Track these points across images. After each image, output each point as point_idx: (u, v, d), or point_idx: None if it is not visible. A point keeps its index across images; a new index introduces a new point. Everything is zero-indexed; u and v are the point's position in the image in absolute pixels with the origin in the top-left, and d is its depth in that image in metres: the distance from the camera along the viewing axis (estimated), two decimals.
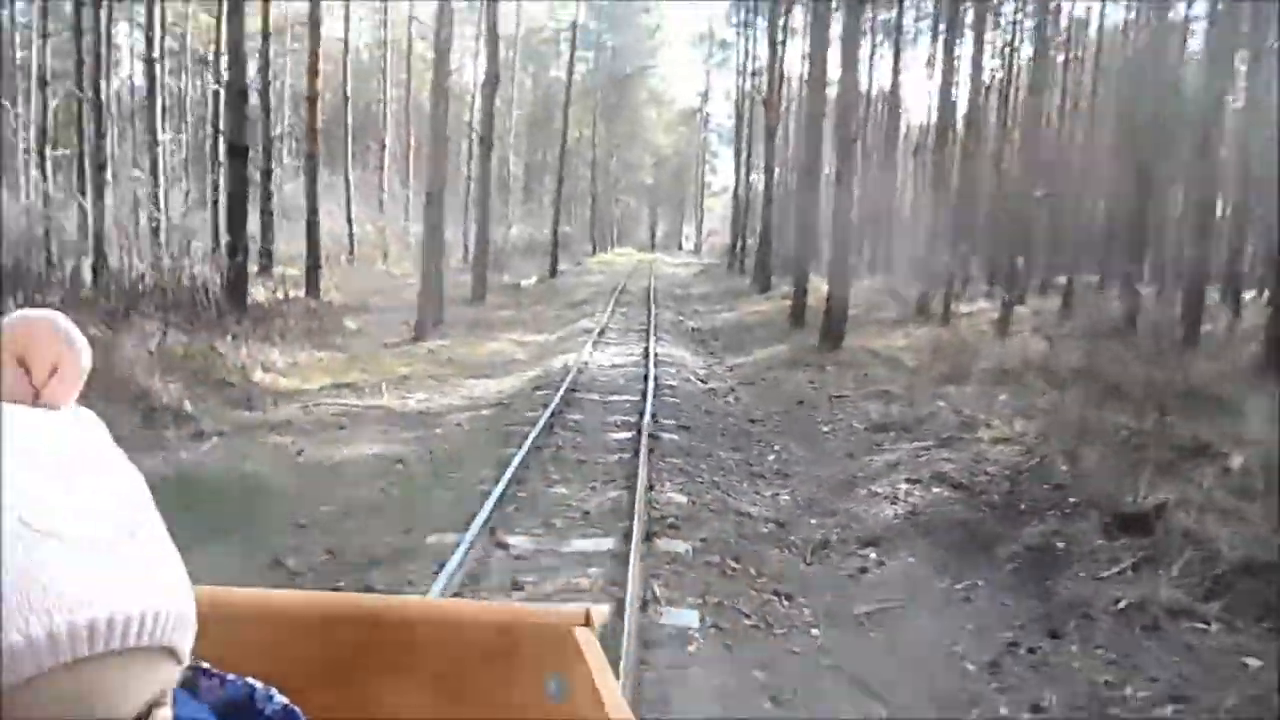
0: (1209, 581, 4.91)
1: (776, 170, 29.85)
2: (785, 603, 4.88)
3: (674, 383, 11.16)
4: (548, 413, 8.57)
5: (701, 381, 11.86)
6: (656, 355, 12.89)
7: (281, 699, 0.62)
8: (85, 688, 0.41)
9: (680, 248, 69.19)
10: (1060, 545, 5.56)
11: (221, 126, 17.67)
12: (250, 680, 0.61)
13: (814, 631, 4.59)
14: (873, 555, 5.72)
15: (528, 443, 7.30)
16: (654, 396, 9.69)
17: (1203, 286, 14.88)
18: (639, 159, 62.93)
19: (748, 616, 4.55)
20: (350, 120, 27.79)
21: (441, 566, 4.59)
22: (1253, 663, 4.24)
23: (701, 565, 5.06)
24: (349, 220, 26.47)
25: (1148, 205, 17.75)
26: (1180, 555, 5.18)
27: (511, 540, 5.25)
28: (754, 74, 36.47)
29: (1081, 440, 7.51)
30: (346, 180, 26.58)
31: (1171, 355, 11.36)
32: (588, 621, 0.79)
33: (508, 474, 6.32)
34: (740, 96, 40.71)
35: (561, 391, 9.70)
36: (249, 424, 8.33)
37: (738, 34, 42.15)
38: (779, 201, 28.01)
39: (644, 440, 7.46)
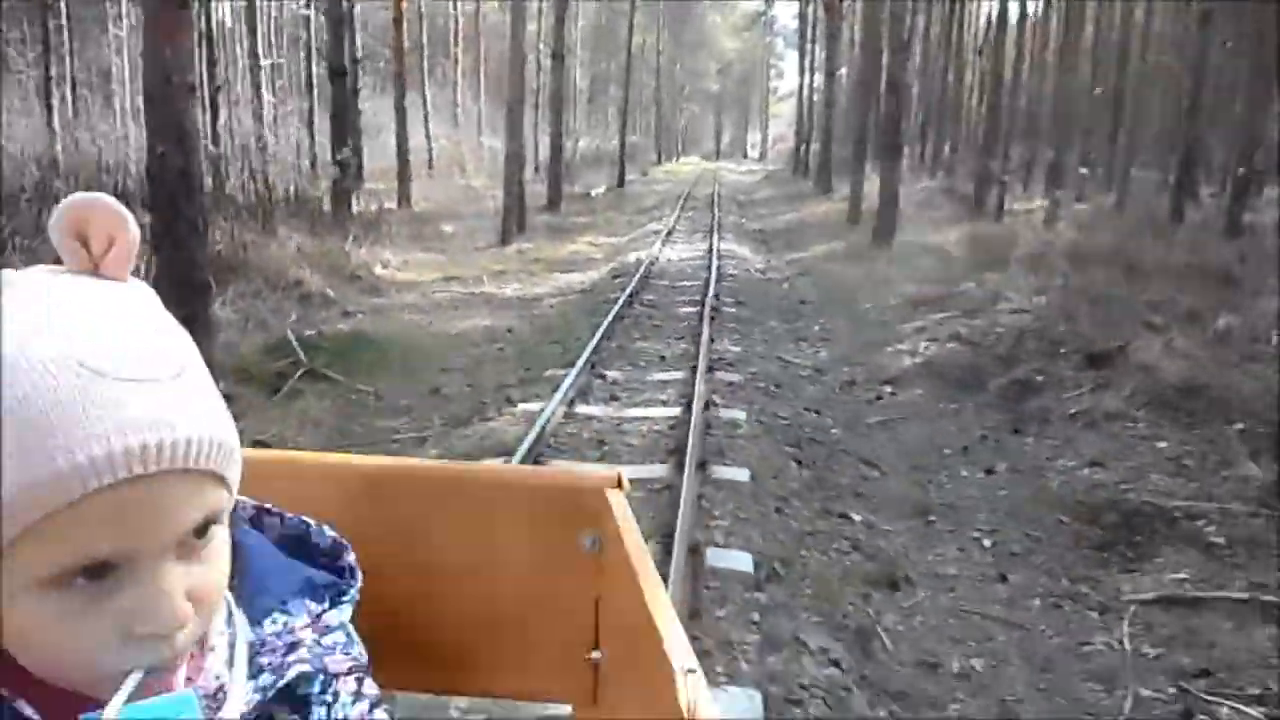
0: (1146, 397, 6.37)
1: (841, 73, 30.39)
2: (814, 415, 6.53)
3: (735, 272, 12.69)
4: (626, 294, 10.23)
5: (760, 272, 13.36)
6: (719, 251, 14.39)
7: (333, 533, 0.70)
8: (141, 502, 0.49)
9: (745, 155, 69.36)
10: (1039, 378, 7.06)
11: (320, 49, 19.31)
12: (305, 518, 0.69)
13: (833, 431, 6.24)
14: (888, 389, 7.30)
15: (612, 314, 8.99)
16: (716, 282, 11.27)
17: (1249, 185, 15.59)
18: (704, 65, 62.90)
19: (784, 419, 6.21)
20: (425, 39, 29.17)
21: (556, 388, 6.31)
22: (1161, 444, 5.74)
23: (750, 388, 6.72)
24: (427, 136, 28.09)
25: (1201, 104, 18.23)
26: (1130, 381, 6.64)
27: (607, 373, 6.99)
28: None
29: (1082, 306, 8.87)
30: (423, 98, 28.09)
31: (1204, 243, 12.44)
32: (619, 484, 0.86)
33: (598, 334, 8.02)
34: None
35: (636, 279, 11.34)
36: (381, 307, 10.18)
37: None
38: (841, 105, 28.70)
39: (707, 312, 9.07)
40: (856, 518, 4.85)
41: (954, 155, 27.56)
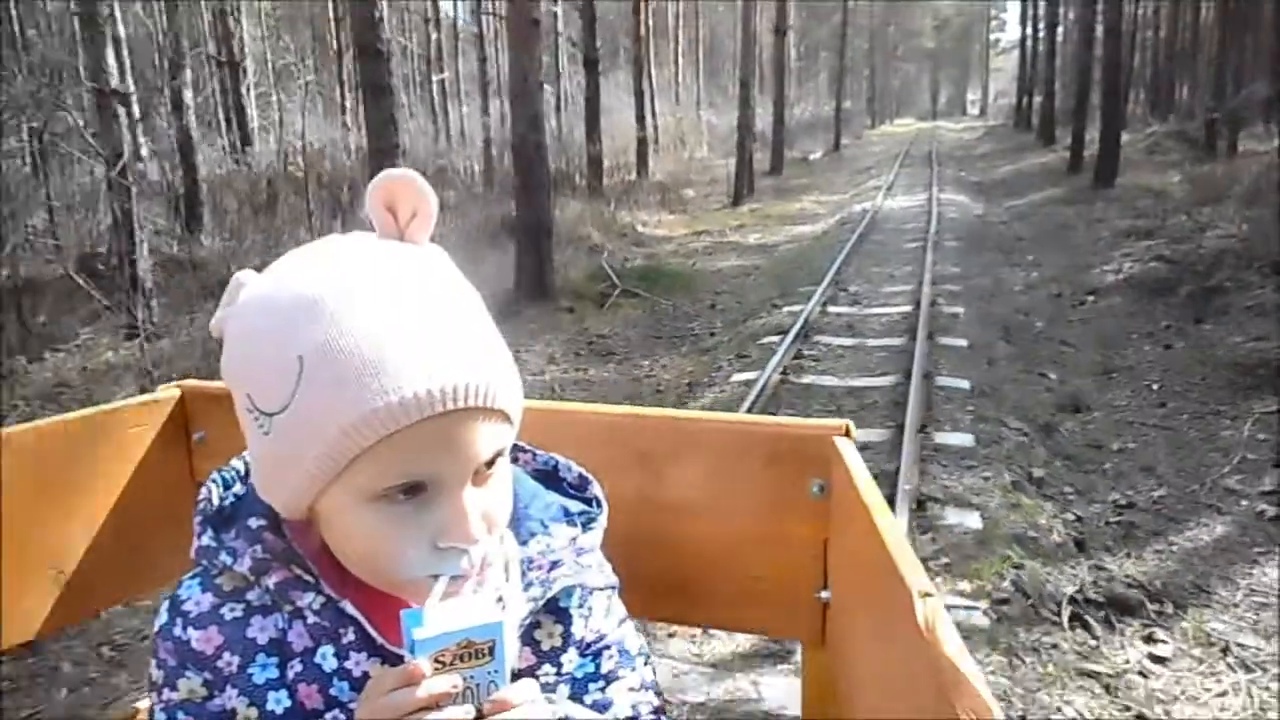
0: None
1: (1061, 25, 30.04)
2: (1022, 316, 8.11)
3: (954, 216, 14.09)
4: (855, 236, 12.00)
5: (978, 216, 14.65)
6: (939, 200, 15.75)
7: (579, 469, 0.80)
8: (452, 433, 0.60)
9: (964, 112, 67.61)
10: (1228, 284, 8.23)
11: (574, 38, 22.09)
12: (554, 455, 0.79)
13: (1038, 325, 7.82)
14: (1090, 298, 8.71)
15: (845, 249, 10.83)
16: (936, 224, 12.77)
17: None
18: (919, 23, 61.98)
19: (996, 316, 7.86)
20: (651, 21, 31.63)
21: (809, 298, 8.25)
22: None
23: (968, 296, 8.39)
24: (653, 114, 30.59)
25: None
26: None
27: (849, 288, 8.89)
28: None
29: None
30: (650, 76, 30.59)
31: None
32: (848, 433, 0.90)
33: (836, 264, 9.89)
34: None
35: (863, 225, 13.05)
36: (650, 254, 12.51)
37: None
38: (1064, 56, 28.47)
39: (929, 246, 10.70)
40: (1052, 375, 6.51)
41: (1188, 98, 26.73)
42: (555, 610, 0.73)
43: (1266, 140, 21.50)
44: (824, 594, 0.92)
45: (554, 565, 0.73)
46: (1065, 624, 3.30)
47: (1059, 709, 2.80)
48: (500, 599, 0.67)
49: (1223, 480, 4.67)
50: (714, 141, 30.52)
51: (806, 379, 6.15)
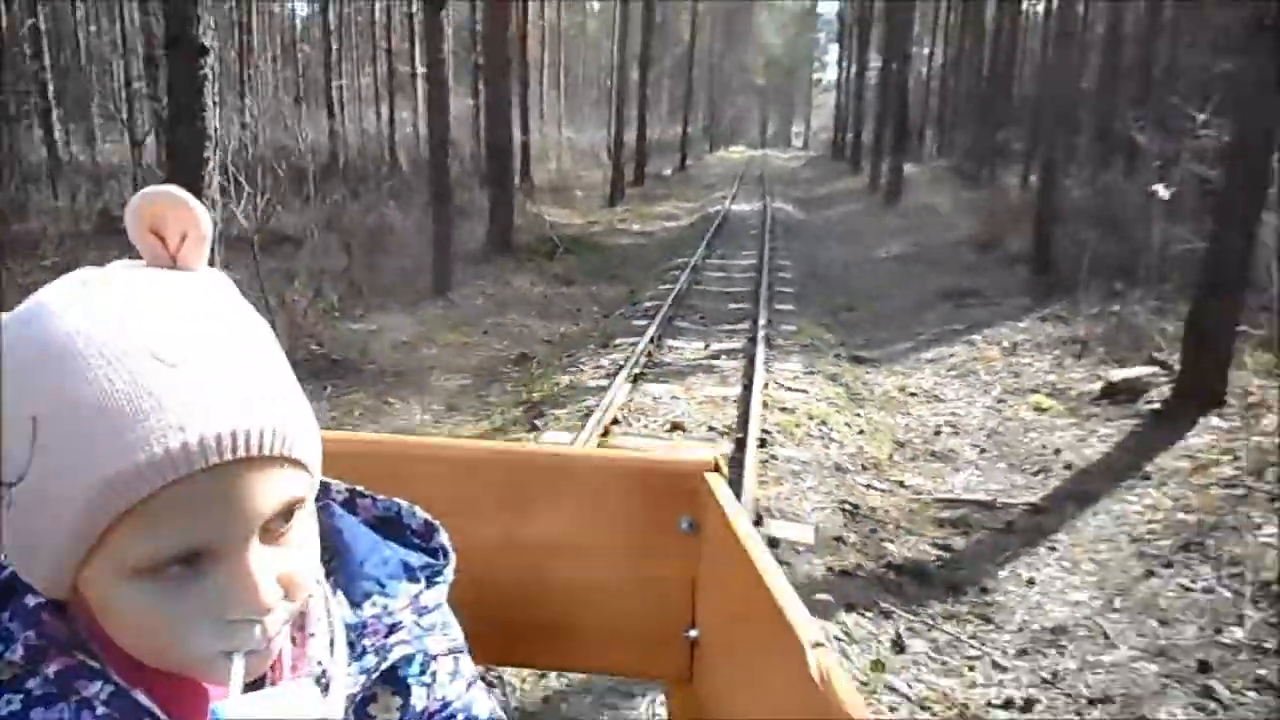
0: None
1: (870, 70, 36.36)
2: (824, 270, 12.81)
3: (783, 218, 19.05)
4: (714, 226, 16.62)
5: (800, 219, 19.69)
6: (772, 207, 20.70)
7: (424, 514, 0.72)
8: (224, 491, 0.51)
9: (789, 144, 75.23)
10: (951, 257, 13.21)
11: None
12: (397, 499, 0.71)
13: (835, 273, 12.51)
14: (869, 264, 13.53)
15: (709, 234, 15.38)
16: (771, 222, 17.58)
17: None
18: (751, 60, 68.96)
19: (809, 270, 12.52)
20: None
21: (691, 258, 12.61)
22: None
23: (791, 259, 13.06)
24: (524, 130, 34.56)
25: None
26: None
27: (717, 252, 13.40)
28: None
29: (1009, 231, 14.98)
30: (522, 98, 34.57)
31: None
32: (717, 468, 0.89)
33: (705, 240, 14.39)
34: None
35: (718, 220, 17.72)
36: (564, 233, 16.62)
37: None
38: (869, 99, 34.68)
39: (766, 233, 15.39)
40: (838, 296, 11.13)
41: (968, 140, 33.43)
42: (392, 680, 0.66)
43: (1016, 175, 28.09)
44: (692, 632, 0.90)
45: (391, 629, 0.66)
46: (843, 362, 7.74)
47: (858, 404, 7.19)
48: (323, 677, 0.60)
49: (917, 332, 9.35)
50: (575, 156, 34.84)
51: (698, 289, 10.50)
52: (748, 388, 6.36)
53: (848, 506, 4.77)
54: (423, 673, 0.67)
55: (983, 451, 5.99)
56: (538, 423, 5.87)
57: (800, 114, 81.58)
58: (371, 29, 31.94)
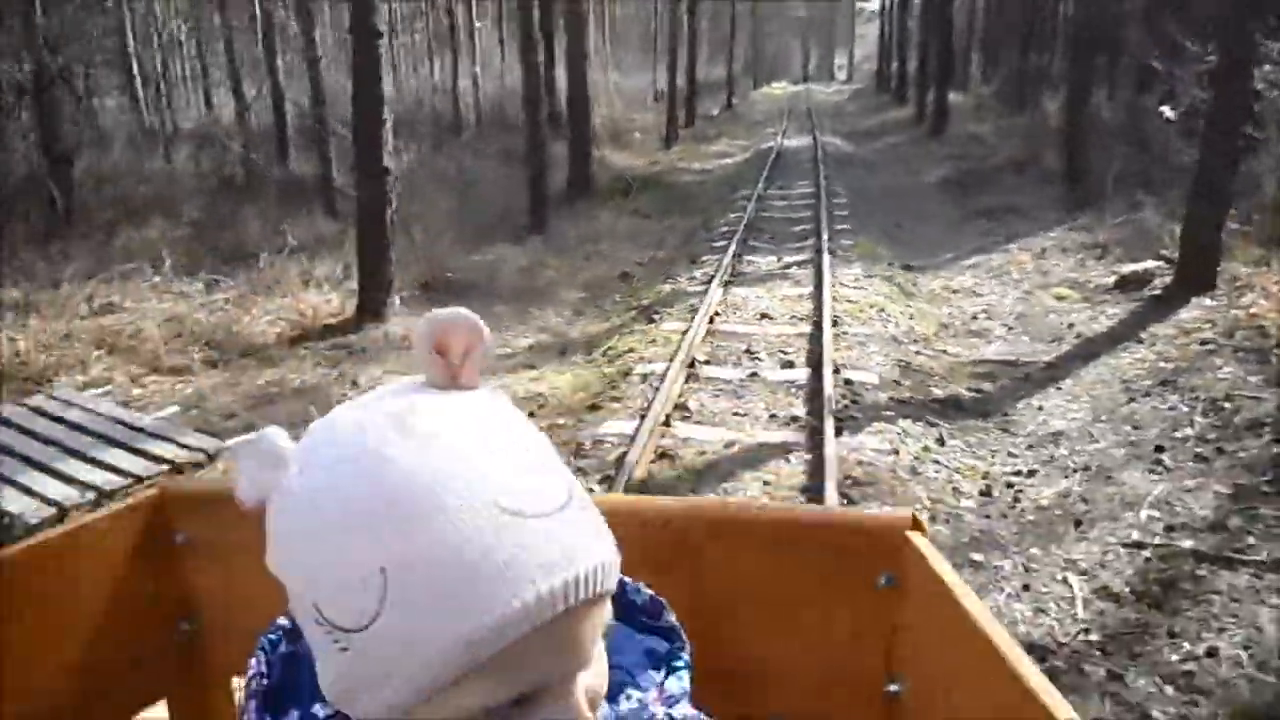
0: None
1: None
2: (875, 195, 14.19)
3: (832, 151, 20.31)
4: (769, 162, 17.97)
5: (849, 151, 20.91)
6: (820, 141, 21.93)
7: (649, 591, 0.73)
8: (563, 636, 0.53)
9: (833, 77, 75.13)
10: (992, 181, 14.50)
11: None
12: (620, 576, 0.65)
13: (880, 198, 13.90)
14: (914, 187, 14.87)
15: (766, 168, 16.77)
16: (822, 154, 18.88)
17: None
18: None
19: (859, 194, 13.92)
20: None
21: (751, 194, 14.05)
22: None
23: (844, 185, 14.46)
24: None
25: None
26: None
27: (776, 184, 14.83)
28: None
29: (1046, 146, 16.16)
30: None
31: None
32: (916, 525, 0.89)
33: (764, 174, 15.79)
34: None
35: (772, 156, 19.05)
36: (630, 174, 18.10)
37: None
38: (918, 26, 35.24)
39: (819, 165, 16.74)
40: (889, 215, 12.53)
41: (1011, 67, 33.97)
42: None
43: (1056, 101, 28.81)
44: (893, 687, 0.90)
45: None
46: (895, 269, 9.24)
47: (909, 298, 8.71)
48: None
49: (959, 244, 10.77)
50: (625, 101, 36.04)
51: (764, 216, 12.00)
52: (818, 287, 7.91)
53: (902, 363, 6.36)
54: None
55: (1010, 329, 7.51)
56: (654, 318, 7.51)
57: (843, 46, 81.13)
58: None
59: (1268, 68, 8.26)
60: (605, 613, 0.58)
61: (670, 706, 0.69)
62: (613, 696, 0.66)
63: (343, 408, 0.59)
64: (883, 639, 0.91)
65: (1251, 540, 4.08)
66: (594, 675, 0.58)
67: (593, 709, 0.57)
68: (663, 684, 0.70)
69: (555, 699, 0.55)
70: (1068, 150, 12.80)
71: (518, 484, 0.54)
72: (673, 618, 0.74)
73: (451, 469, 0.53)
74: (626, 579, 0.73)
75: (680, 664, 0.72)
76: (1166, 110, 9.05)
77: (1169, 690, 3.22)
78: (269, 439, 0.58)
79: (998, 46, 34.82)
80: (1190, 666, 3.32)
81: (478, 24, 29.04)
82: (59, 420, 5.58)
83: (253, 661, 0.65)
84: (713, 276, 8.41)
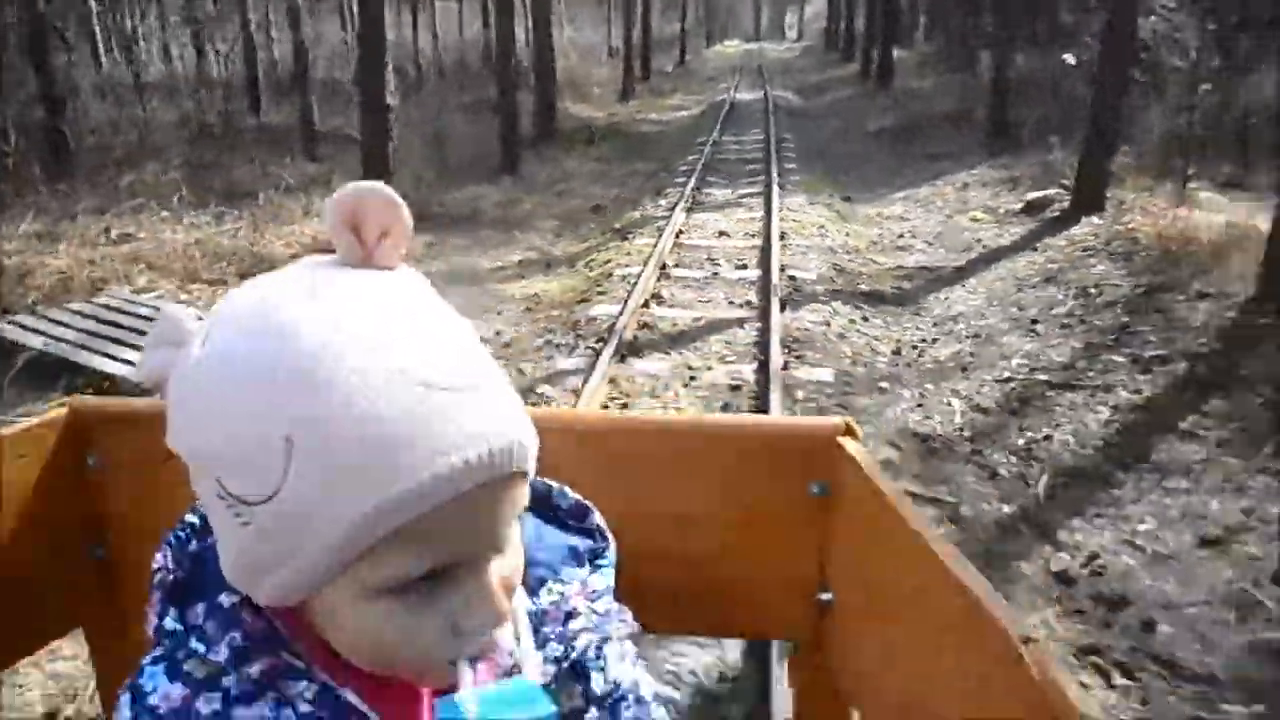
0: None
1: None
2: (822, 142, 15.47)
3: (783, 104, 21.53)
4: (723, 113, 19.15)
5: (799, 105, 22.14)
6: (772, 95, 23.14)
7: (575, 495, 0.75)
8: (478, 510, 0.54)
9: (784, 36, 76.10)
10: (928, 129, 15.85)
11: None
12: (546, 480, 0.71)
13: (830, 143, 15.19)
14: (858, 135, 16.18)
15: (720, 118, 17.96)
16: (773, 107, 20.10)
17: None
18: None
19: (806, 141, 15.19)
20: None
21: (706, 140, 15.23)
22: None
23: (794, 133, 15.71)
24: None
25: None
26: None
27: (730, 132, 16.05)
28: None
29: (977, 100, 17.54)
30: None
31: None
32: (849, 431, 0.88)
33: (718, 124, 16.98)
34: None
35: (725, 108, 20.22)
36: (591, 123, 19.14)
37: None
38: None
39: (770, 116, 17.96)
40: (833, 157, 13.81)
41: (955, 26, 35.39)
42: (573, 666, 0.67)
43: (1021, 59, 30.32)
44: (824, 596, 0.91)
45: (569, 616, 0.67)
46: (836, 199, 10.52)
47: (846, 221, 10.00)
48: (515, 668, 0.61)
49: (893, 181, 12.10)
50: (579, 55, 36.81)
51: (719, 159, 13.21)
52: (768, 213, 9.16)
53: (836, 267, 7.67)
54: (598, 658, 0.69)
55: (929, 245, 8.86)
56: (627, 237, 8.71)
57: (794, 4, 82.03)
58: None
59: (1153, 19, 9.65)
60: (522, 497, 0.58)
61: (593, 601, 0.69)
62: (533, 590, 0.67)
63: (250, 281, 0.58)
64: (815, 548, 0.91)
65: (1091, 375, 5.46)
66: (510, 564, 0.58)
67: (508, 596, 0.58)
68: (586, 580, 0.70)
69: (465, 575, 0.55)
70: (994, 102, 14.16)
71: (434, 358, 0.53)
72: (598, 519, 0.74)
73: (364, 336, 0.52)
74: (553, 483, 0.74)
75: (604, 562, 0.72)
76: (1068, 58, 10.39)
77: (1013, 459, 4.56)
78: (170, 315, 0.58)
79: (942, 6, 36.22)
80: (1031, 447, 4.67)
81: None
82: (130, 313, 6.63)
83: (159, 556, 0.64)
84: (676, 204, 9.62)
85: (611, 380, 5.09)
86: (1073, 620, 3.33)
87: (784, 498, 0.91)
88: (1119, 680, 3.03)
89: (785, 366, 5.24)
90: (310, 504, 0.51)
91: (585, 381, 4.92)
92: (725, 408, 4.82)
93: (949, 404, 5.21)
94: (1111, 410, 4.97)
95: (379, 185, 0.57)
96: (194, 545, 0.65)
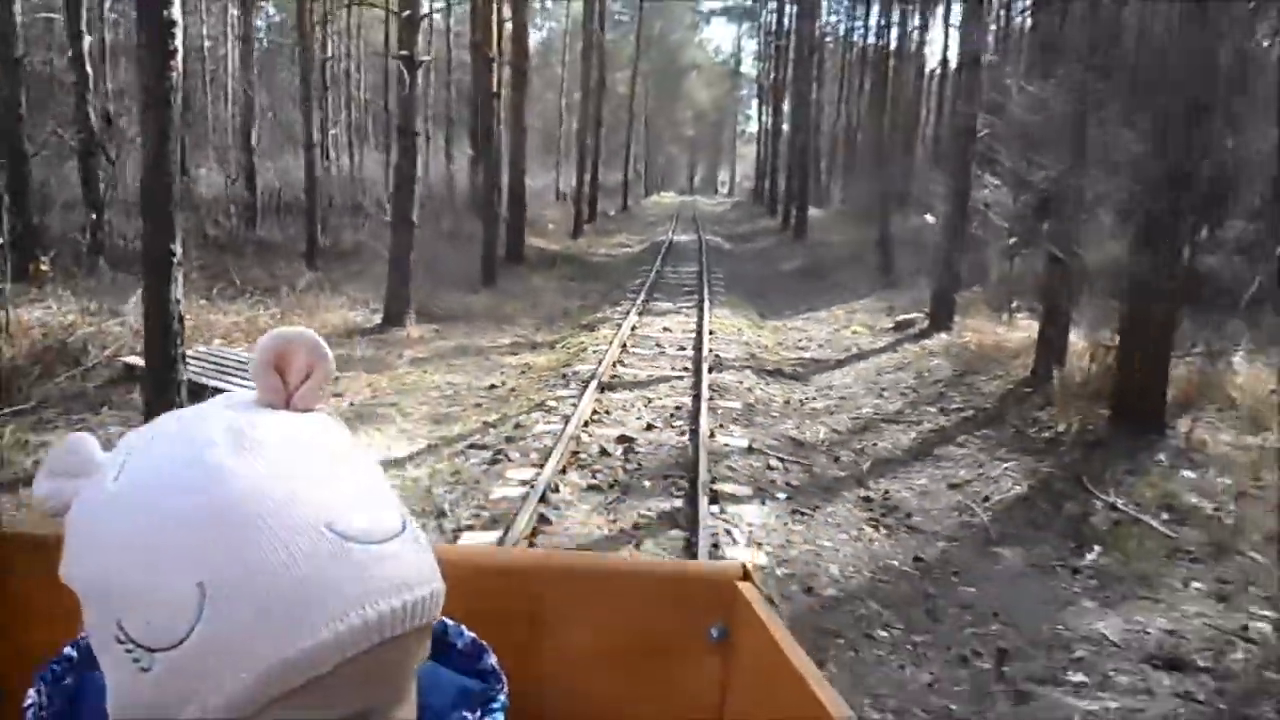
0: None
1: (784, 127, 43.01)
2: (745, 277, 18.66)
3: (713, 247, 24.99)
4: (663, 251, 22.41)
5: (727, 248, 25.64)
6: (704, 239, 26.68)
7: (471, 634, 0.73)
8: (385, 663, 0.52)
9: (716, 190, 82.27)
10: (834, 273, 19.22)
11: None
12: (443, 618, 0.66)
13: (754, 281, 18.38)
14: (775, 276, 19.44)
15: (660, 255, 21.17)
16: (705, 249, 23.48)
17: None
18: (682, 114, 75.96)
19: (736, 274, 18.37)
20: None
21: (652, 268, 18.29)
22: None
23: (721, 269, 18.91)
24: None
25: None
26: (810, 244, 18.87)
27: (669, 266, 19.18)
28: (777, 43, 49.32)
29: (866, 253, 21.09)
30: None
31: None
32: (746, 575, 0.89)
33: (658, 259, 20.15)
34: (764, 60, 53.64)
35: (664, 247, 23.55)
36: (551, 253, 22.16)
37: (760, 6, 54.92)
38: (789, 149, 41.24)
39: (703, 255, 21.23)
40: (754, 287, 16.92)
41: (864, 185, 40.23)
42: None
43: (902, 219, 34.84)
44: None
45: None
46: (753, 315, 13.47)
47: (759, 329, 12.95)
48: None
49: (797, 306, 15.19)
50: (531, 196, 40.58)
51: (662, 282, 16.18)
52: (700, 319, 11.99)
53: (750, 354, 10.48)
54: None
55: (820, 346, 11.77)
56: (593, 330, 11.43)
57: (725, 162, 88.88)
58: (347, 82, 37.32)
59: (985, 190, 13.02)
60: (428, 644, 0.58)
61: None
62: None
63: (168, 416, 0.57)
64: (715, 691, 0.91)
65: (912, 417, 8.24)
66: (408, 709, 0.57)
67: None
68: None
69: None
70: (879, 251, 17.57)
71: (350, 509, 0.53)
72: (493, 661, 0.72)
73: (284, 487, 0.51)
74: (449, 621, 0.72)
75: (496, 705, 0.70)
76: (929, 218, 13.72)
77: (851, 454, 7.23)
78: (75, 444, 0.57)
79: (851, 175, 41.17)
80: (864, 449, 7.36)
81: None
82: (225, 358, 8.99)
83: (32, 692, 0.62)
84: (629, 310, 12.44)
85: (597, 400, 7.69)
86: (870, 515, 5.95)
87: (684, 639, 0.92)
88: (885, 533, 5.64)
89: (711, 399, 7.91)
90: (218, 654, 0.49)
91: (579, 401, 7.49)
92: (673, 417, 7.45)
93: (816, 428, 7.91)
94: (917, 433, 7.74)
95: (306, 331, 0.58)
96: (69, 680, 0.63)
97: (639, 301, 13.42)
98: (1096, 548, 5.34)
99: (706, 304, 13.22)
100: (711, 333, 11.10)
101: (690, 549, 4.85)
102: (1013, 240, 11.62)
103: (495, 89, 18.48)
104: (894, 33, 34.23)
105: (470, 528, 5.13)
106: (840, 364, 10.72)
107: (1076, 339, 8.78)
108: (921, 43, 36.09)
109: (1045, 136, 9.22)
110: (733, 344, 10.82)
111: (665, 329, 11.52)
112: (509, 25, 19.86)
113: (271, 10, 37.25)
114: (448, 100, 35.56)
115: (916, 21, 33.11)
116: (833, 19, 44.31)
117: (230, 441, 0.53)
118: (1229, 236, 8.67)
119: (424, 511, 5.39)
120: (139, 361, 7.81)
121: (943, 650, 4.24)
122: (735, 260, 22.24)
